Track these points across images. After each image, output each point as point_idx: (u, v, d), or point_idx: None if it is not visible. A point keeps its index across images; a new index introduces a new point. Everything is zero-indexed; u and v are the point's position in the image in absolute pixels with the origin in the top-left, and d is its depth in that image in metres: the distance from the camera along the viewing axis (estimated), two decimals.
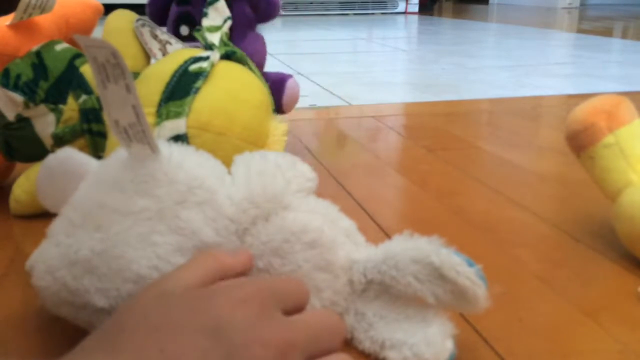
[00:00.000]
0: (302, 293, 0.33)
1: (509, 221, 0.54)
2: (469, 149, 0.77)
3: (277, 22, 3.10)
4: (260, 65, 0.69)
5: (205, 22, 0.55)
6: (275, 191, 0.35)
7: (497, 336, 0.36)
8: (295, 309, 0.31)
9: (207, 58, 0.49)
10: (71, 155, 0.37)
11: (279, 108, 0.69)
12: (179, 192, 0.33)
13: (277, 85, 0.68)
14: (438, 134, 0.85)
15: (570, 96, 1.14)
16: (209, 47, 0.52)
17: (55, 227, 0.34)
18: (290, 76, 0.70)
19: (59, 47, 0.55)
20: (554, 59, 1.69)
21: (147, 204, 0.33)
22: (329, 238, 0.35)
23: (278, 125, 0.52)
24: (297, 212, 0.35)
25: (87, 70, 0.55)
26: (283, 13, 3.53)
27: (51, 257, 0.33)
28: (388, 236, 0.50)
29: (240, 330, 0.27)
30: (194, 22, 0.68)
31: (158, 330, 0.27)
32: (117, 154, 0.35)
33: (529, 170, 0.68)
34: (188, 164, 0.35)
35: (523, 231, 0.52)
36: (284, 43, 2.15)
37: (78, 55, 0.56)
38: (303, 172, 0.38)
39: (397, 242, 0.34)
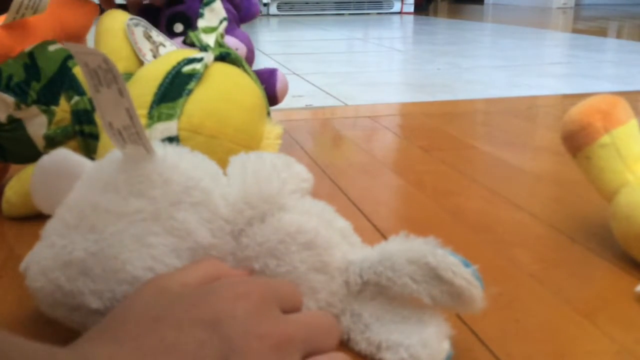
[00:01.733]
0: (297, 296, 0.33)
1: (505, 221, 0.54)
2: (465, 149, 0.77)
3: (272, 22, 3.10)
4: (251, 50, 0.74)
5: (201, 23, 0.54)
6: (271, 192, 0.35)
7: (493, 337, 0.36)
8: (291, 310, 0.32)
9: (200, 59, 0.49)
10: (65, 156, 0.36)
11: (273, 98, 0.72)
12: (174, 193, 0.33)
13: (268, 76, 0.73)
14: (434, 134, 0.85)
15: (565, 96, 1.14)
16: (204, 48, 0.52)
17: (50, 228, 0.33)
18: (276, 69, 0.75)
19: (52, 47, 0.55)
20: (549, 59, 1.69)
21: (142, 205, 0.33)
22: (325, 239, 0.34)
23: (272, 128, 0.52)
24: (292, 213, 0.35)
25: (79, 71, 0.55)
26: (279, 13, 3.53)
27: (45, 258, 0.33)
28: (384, 237, 0.50)
29: (239, 323, 0.28)
30: (189, 20, 0.69)
31: (159, 322, 0.28)
32: (112, 155, 0.35)
33: (525, 170, 0.68)
34: (183, 164, 0.35)
35: (519, 231, 0.52)
36: (279, 43, 2.15)
37: (71, 56, 0.55)
38: (299, 173, 0.38)
39: (393, 243, 0.34)
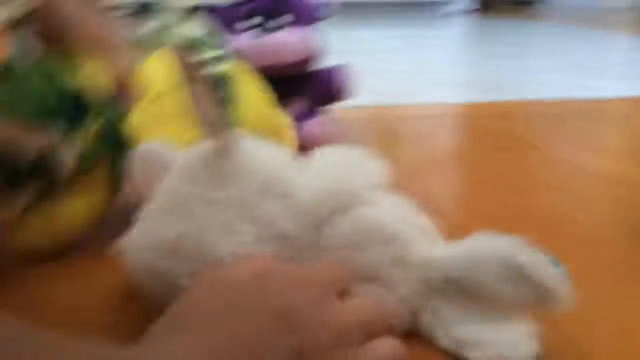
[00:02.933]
0: (347, 277, 0.34)
1: (577, 223, 0.53)
2: (531, 149, 0.76)
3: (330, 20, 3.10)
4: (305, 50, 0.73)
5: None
6: (355, 186, 0.36)
7: (582, 336, 0.36)
8: (343, 292, 0.33)
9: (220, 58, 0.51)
10: (157, 148, 0.39)
11: (336, 95, 0.73)
12: (258, 184, 0.34)
13: (329, 73, 0.74)
14: (499, 134, 0.84)
15: (635, 99, 1.11)
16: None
17: (146, 212, 0.36)
18: (340, 66, 0.75)
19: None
20: (616, 61, 1.64)
21: (230, 194, 0.34)
22: (405, 235, 0.35)
23: (283, 120, 0.54)
24: (374, 208, 0.36)
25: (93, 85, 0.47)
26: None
27: (140, 239, 0.35)
28: (459, 234, 0.50)
29: (304, 312, 0.29)
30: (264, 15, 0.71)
31: (225, 313, 0.29)
32: (199, 147, 0.36)
33: (594, 172, 0.67)
34: (267, 157, 0.36)
35: (591, 233, 0.51)
36: (337, 41, 2.15)
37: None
38: (380, 168, 0.39)
39: (478, 241, 0.34)
